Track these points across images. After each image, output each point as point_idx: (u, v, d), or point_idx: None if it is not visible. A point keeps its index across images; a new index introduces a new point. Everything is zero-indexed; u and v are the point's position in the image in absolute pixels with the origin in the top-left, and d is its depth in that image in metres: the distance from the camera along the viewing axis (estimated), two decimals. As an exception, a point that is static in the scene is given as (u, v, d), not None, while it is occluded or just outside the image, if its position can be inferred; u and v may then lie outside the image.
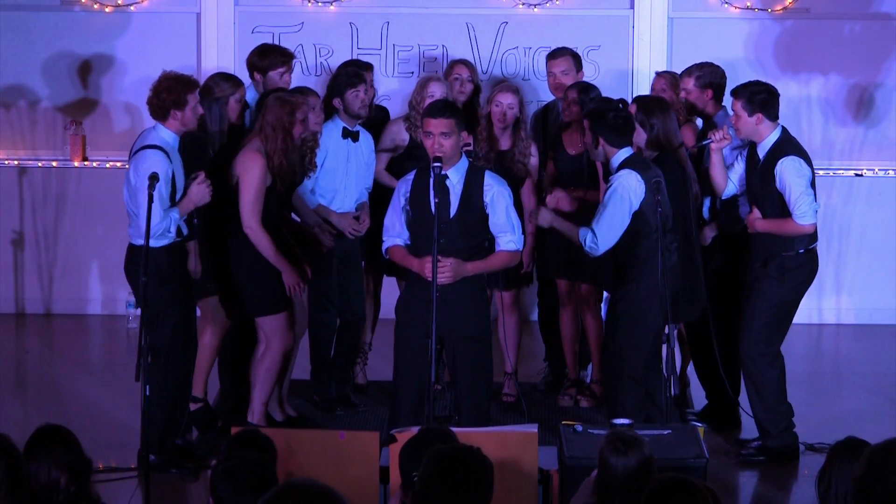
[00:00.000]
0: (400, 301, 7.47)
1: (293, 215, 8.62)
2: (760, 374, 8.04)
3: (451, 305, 7.15)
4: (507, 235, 7.34)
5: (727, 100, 8.49)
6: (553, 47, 9.48)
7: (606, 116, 7.77)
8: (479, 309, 7.36)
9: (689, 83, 8.64)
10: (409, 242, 7.39)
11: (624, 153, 7.72)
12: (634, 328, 7.73)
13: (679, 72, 8.98)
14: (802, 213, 7.90)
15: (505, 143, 8.75)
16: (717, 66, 8.69)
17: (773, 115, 8.02)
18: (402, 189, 7.39)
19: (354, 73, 8.73)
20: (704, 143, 8.28)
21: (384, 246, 7.48)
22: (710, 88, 8.61)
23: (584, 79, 9.56)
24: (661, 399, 7.58)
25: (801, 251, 8.00)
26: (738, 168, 8.22)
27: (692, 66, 8.73)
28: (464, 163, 7.34)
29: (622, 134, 7.73)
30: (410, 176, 7.42)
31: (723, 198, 8.30)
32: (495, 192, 7.31)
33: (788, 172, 7.90)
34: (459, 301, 7.23)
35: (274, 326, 8.04)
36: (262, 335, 8.12)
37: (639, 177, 7.61)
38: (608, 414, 7.78)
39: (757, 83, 8.19)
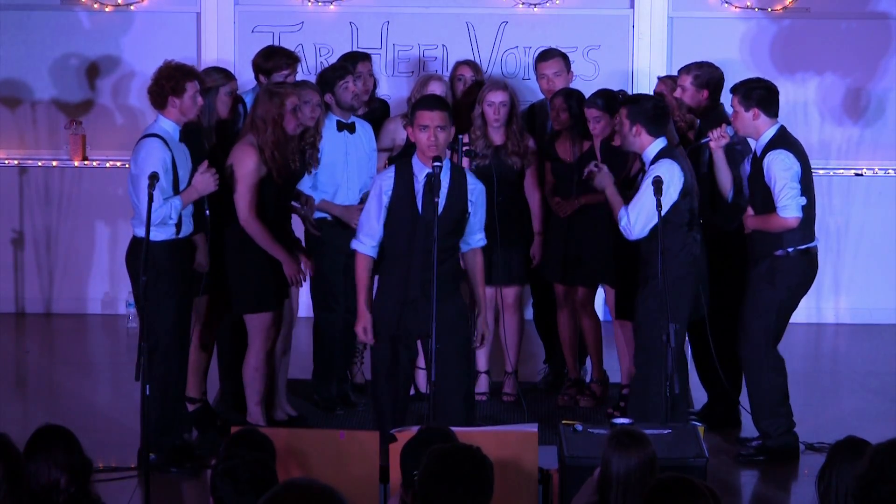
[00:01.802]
0: (375, 303, 7.36)
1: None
2: (762, 380, 8.01)
3: (431, 303, 7.09)
4: (479, 234, 7.37)
5: (726, 98, 8.48)
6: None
7: (645, 105, 7.78)
8: (458, 306, 7.31)
9: (687, 81, 8.62)
10: (376, 246, 7.29)
11: (659, 143, 7.72)
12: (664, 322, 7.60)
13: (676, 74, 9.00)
14: (784, 206, 7.84)
15: (499, 139, 8.75)
16: (717, 67, 8.66)
17: (771, 112, 8.00)
18: (384, 186, 7.25)
19: (340, 66, 8.76)
20: (703, 141, 8.28)
21: (354, 244, 7.32)
22: (707, 89, 8.58)
23: (584, 79, 9.60)
24: (670, 397, 7.52)
25: (791, 250, 7.94)
26: (746, 169, 8.18)
27: (692, 63, 8.70)
28: (447, 161, 7.31)
29: (660, 123, 7.74)
30: (390, 172, 7.30)
31: (728, 201, 8.27)
32: (479, 192, 7.31)
33: (774, 165, 7.87)
34: (440, 299, 7.14)
35: (257, 325, 8.04)
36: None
37: (679, 169, 7.61)
38: (632, 412, 7.66)
39: (756, 80, 8.18)
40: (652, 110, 7.76)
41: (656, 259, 7.51)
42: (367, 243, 7.29)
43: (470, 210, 7.26)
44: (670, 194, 7.62)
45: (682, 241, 7.70)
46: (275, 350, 8.22)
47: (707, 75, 8.60)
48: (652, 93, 9.17)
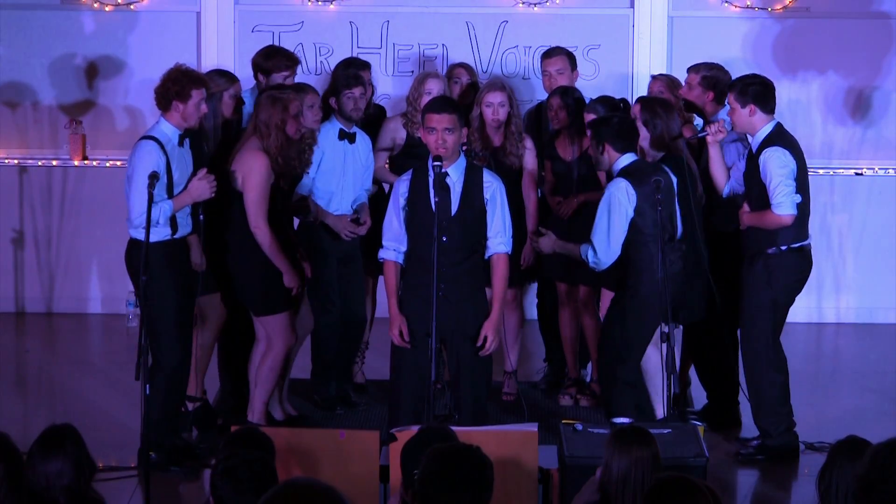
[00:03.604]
0: (399, 299, 7.42)
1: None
2: (763, 378, 8.02)
3: (452, 304, 7.14)
4: (500, 237, 7.32)
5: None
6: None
7: (611, 122, 7.80)
8: (479, 307, 7.34)
9: (695, 79, 8.61)
10: (405, 248, 7.33)
11: (625, 159, 7.72)
12: (630, 333, 7.75)
13: (675, 73, 9.01)
14: (779, 203, 7.82)
15: (497, 140, 8.75)
16: (726, 71, 8.67)
17: (768, 108, 7.98)
18: (401, 189, 7.33)
19: (354, 75, 8.70)
20: (700, 135, 8.27)
21: (381, 253, 7.40)
22: (713, 91, 8.59)
23: (584, 78, 9.59)
24: (660, 399, 7.59)
25: (784, 248, 7.93)
26: (741, 166, 8.19)
27: (702, 63, 8.71)
28: (462, 160, 7.32)
29: (626, 138, 7.74)
30: (407, 175, 7.36)
31: (724, 195, 8.28)
32: (495, 189, 7.29)
33: (770, 162, 7.85)
34: (460, 300, 7.21)
35: (277, 326, 8.04)
36: (263, 334, 8.12)
37: (629, 185, 7.62)
38: (606, 415, 7.78)
39: (752, 75, 8.16)
40: (616, 127, 7.77)
41: (627, 271, 7.68)
42: (391, 249, 7.34)
43: (487, 208, 7.25)
44: (627, 211, 7.62)
45: (650, 257, 7.68)
46: (293, 351, 8.25)
47: (716, 77, 8.61)
48: (647, 92, 9.17)
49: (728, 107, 8.21)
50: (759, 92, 7.95)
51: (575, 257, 7.88)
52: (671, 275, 7.61)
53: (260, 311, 8.07)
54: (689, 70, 8.71)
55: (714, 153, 8.16)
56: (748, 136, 8.06)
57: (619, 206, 7.61)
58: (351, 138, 8.64)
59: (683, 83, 8.71)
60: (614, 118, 7.88)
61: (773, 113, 8.02)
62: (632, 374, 7.84)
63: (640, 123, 8.08)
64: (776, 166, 7.83)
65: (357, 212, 8.66)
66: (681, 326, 8.30)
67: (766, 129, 7.96)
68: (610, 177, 7.88)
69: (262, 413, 8.12)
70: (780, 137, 7.94)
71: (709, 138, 8.14)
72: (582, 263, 8.61)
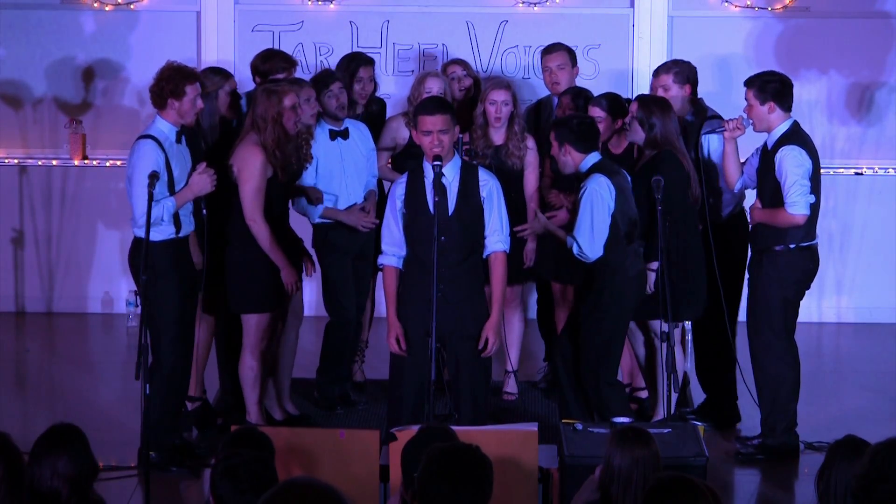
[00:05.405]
0: (398, 300, 7.43)
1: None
2: (778, 374, 8.01)
3: (451, 304, 7.14)
4: (497, 235, 7.32)
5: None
6: (552, 46, 9.49)
7: (570, 123, 7.85)
8: (478, 307, 7.34)
9: (668, 79, 8.56)
10: (405, 253, 7.32)
11: (591, 158, 7.77)
12: (608, 334, 7.75)
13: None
14: (793, 202, 7.84)
15: (499, 139, 8.74)
16: (689, 62, 8.64)
17: (785, 106, 7.98)
18: (397, 192, 7.32)
19: (326, 74, 8.70)
20: (718, 130, 8.26)
21: (381, 259, 7.41)
22: (689, 84, 8.57)
23: (584, 77, 9.58)
24: (669, 395, 7.59)
25: (793, 246, 7.94)
26: (754, 162, 8.18)
27: (667, 62, 8.72)
28: (457, 159, 7.31)
29: (587, 139, 7.79)
30: (403, 178, 7.36)
31: (735, 191, 8.28)
32: (491, 187, 7.29)
33: (787, 161, 7.86)
34: (459, 300, 7.21)
35: (251, 325, 8.02)
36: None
37: (608, 181, 7.64)
38: (588, 417, 7.75)
39: (770, 73, 8.17)
40: (577, 127, 7.81)
41: (599, 275, 7.70)
42: (390, 254, 7.34)
43: (484, 206, 7.24)
44: (609, 205, 7.63)
45: (622, 255, 7.71)
46: (270, 349, 8.22)
47: (686, 71, 8.58)
48: (649, 89, 9.16)
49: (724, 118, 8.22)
50: (777, 89, 7.96)
51: (560, 240, 7.86)
52: (637, 275, 7.66)
53: (241, 307, 8.05)
54: (658, 73, 8.62)
55: (730, 149, 8.16)
56: (766, 133, 8.07)
57: (601, 200, 7.63)
58: (343, 135, 8.62)
59: (650, 89, 8.66)
60: (574, 119, 7.93)
61: (790, 111, 8.02)
62: (613, 373, 7.85)
63: (636, 122, 8.08)
64: (792, 165, 7.84)
65: (367, 198, 8.64)
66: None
67: (783, 127, 7.97)
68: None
69: (257, 413, 8.12)
70: (796, 136, 7.96)
71: (726, 134, 8.14)
72: (572, 263, 8.65)
